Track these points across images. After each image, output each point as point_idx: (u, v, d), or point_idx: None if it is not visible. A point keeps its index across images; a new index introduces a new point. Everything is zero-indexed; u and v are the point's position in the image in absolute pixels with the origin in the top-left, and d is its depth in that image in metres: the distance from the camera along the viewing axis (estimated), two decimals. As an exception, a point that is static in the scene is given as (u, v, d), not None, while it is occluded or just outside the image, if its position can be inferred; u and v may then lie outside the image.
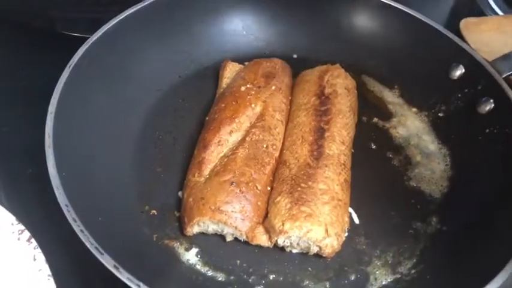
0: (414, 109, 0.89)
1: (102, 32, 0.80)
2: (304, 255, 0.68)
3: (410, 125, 0.86)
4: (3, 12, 0.98)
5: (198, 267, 0.67)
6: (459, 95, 0.85)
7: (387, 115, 0.88)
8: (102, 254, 0.55)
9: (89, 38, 0.79)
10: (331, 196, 0.68)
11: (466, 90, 0.84)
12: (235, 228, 0.66)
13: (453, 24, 1.07)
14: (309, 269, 0.68)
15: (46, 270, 0.62)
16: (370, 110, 0.88)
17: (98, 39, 0.79)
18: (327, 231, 0.65)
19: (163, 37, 0.89)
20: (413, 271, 0.68)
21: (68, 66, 0.74)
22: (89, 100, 0.75)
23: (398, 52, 0.92)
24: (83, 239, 0.57)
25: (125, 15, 0.83)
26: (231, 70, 0.88)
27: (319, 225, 0.65)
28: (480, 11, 1.14)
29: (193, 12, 0.92)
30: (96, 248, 0.56)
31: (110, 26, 0.81)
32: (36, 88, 0.88)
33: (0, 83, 0.91)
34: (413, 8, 0.92)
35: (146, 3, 0.86)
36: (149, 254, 0.67)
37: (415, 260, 0.69)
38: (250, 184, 0.69)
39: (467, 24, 1.08)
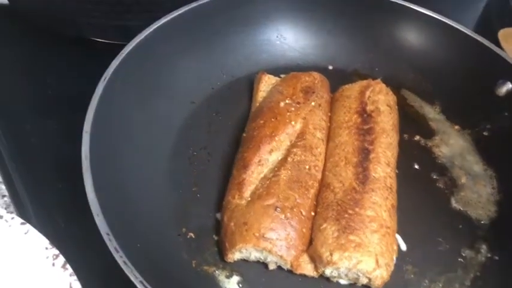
0: (456, 127, 0.85)
1: (135, 44, 0.77)
2: (350, 285, 0.65)
3: (454, 144, 0.83)
4: (30, 18, 0.94)
5: (240, 296, 0.64)
6: (506, 114, 0.81)
7: (429, 132, 0.84)
8: (147, 288, 0.52)
9: (119, 44, 0.76)
10: (380, 224, 0.65)
11: (514, 109, 0.80)
12: (281, 257, 0.63)
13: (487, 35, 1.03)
14: (356, 300, 0.65)
15: (84, 299, 0.59)
16: (411, 127, 0.84)
17: (131, 51, 0.76)
18: (377, 262, 0.62)
19: (196, 48, 0.86)
20: (465, 304, 0.65)
21: (102, 79, 0.71)
22: (124, 116, 0.72)
23: (440, 66, 0.89)
24: (127, 272, 0.53)
25: (158, 25, 0.80)
26: (266, 83, 0.84)
27: (369, 256, 0.62)
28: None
29: (227, 21, 0.88)
30: (141, 282, 0.53)
31: (142, 36, 0.78)
32: (64, 98, 0.86)
33: (28, 92, 0.88)
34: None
35: (178, 13, 0.82)
36: (189, 282, 0.64)
37: (465, 292, 0.66)
38: (295, 209, 0.66)
39: (507, 35, 1.04)
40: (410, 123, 0.85)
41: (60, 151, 0.79)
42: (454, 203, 0.76)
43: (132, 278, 0.53)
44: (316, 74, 0.84)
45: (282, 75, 0.86)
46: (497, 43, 1.03)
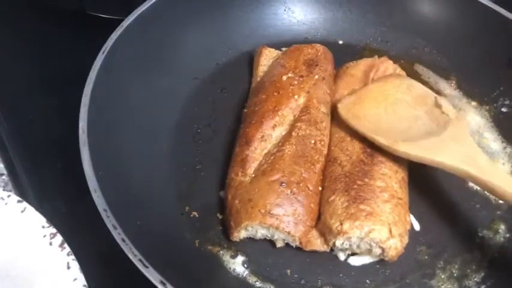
0: (474, 103, 0.81)
1: (136, 15, 0.74)
2: (361, 266, 0.62)
3: (471, 121, 0.79)
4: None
5: (246, 277, 0.61)
6: (526, 88, 0.77)
7: (445, 109, 0.80)
8: (146, 267, 0.50)
9: (120, 20, 0.73)
10: (391, 194, 0.62)
11: (535, 83, 0.76)
12: (288, 233, 0.60)
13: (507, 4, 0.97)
14: (367, 281, 0.62)
15: (81, 279, 0.56)
16: (425, 103, 0.80)
17: (132, 23, 0.73)
18: (390, 231, 0.59)
19: (200, 21, 0.83)
20: (483, 286, 0.61)
21: (101, 52, 0.68)
22: (124, 90, 0.69)
23: (456, 39, 0.84)
24: (125, 250, 0.51)
25: (160, -4, 0.77)
26: (267, 57, 0.81)
27: (382, 225, 0.58)
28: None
29: (233, -7, 0.85)
30: (140, 260, 0.50)
31: (144, 8, 0.75)
32: (66, 74, 0.83)
33: (28, 68, 0.85)
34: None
35: (181, -16, 0.79)
36: (192, 263, 0.61)
37: (483, 274, 0.63)
38: (301, 184, 0.62)
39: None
40: (424, 99, 0.81)
41: (61, 129, 0.76)
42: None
43: (131, 256, 0.50)
44: (319, 46, 0.79)
45: (284, 49, 0.82)
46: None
